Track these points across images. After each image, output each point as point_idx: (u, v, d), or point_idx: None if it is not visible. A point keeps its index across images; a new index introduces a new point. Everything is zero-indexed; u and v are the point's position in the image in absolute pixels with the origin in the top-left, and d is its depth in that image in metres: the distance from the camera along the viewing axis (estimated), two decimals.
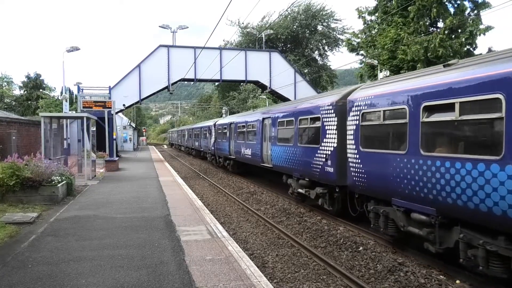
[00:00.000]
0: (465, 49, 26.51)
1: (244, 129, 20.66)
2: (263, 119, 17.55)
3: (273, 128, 15.86)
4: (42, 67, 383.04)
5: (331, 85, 49.47)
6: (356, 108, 9.60)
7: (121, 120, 53.55)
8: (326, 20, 49.21)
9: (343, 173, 10.21)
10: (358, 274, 7.60)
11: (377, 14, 30.63)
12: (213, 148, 29.72)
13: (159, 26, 32.93)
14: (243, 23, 49.24)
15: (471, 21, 26.25)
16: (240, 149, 21.38)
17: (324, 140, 11.21)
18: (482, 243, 6.22)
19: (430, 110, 7.23)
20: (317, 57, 51.29)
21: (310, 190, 12.56)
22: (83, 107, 25.20)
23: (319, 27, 49.70)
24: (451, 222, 6.96)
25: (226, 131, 25.07)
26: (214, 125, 29.28)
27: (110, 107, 25.27)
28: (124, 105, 30.86)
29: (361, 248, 8.96)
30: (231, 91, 57.89)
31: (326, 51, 51.27)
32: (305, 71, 48.14)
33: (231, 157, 23.78)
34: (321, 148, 11.37)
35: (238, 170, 24.35)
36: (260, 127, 17.87)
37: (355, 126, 9.63)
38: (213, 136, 29.35)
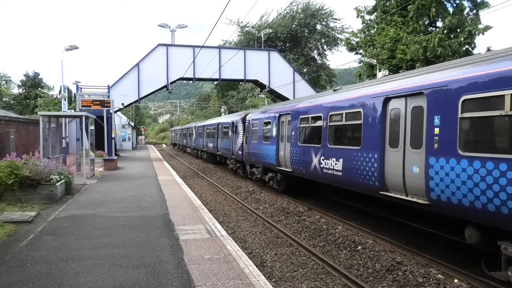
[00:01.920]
0: (464, 48, 26.58)
1: (322, 123, 11.77)
2: (387, 99, 8.91)
3: (444, 112, 7.19)
4: (41, 66, 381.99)
5: (330, 85, 49.53)
6: None
7: (119, 119, 53.53)
8: (325, 19, 49.26)
9: None
10: (356, 273, 7.62)
11: (376, 14, 30.68)
12: (240, 152, 21.04)
13: (158, 25, 32.91)
14: (241, 22, 49.26)
15: (470, 21, 26.31)
16: (306, 157, 12.78)
17: None
18: None
19: None
20: (316, 56, 51.34)
21: None
22: (82, 106, 25.17)
23: (318, 26, 49.75)
24: None
25: (269, 127, 16.69)
26: (244, 120, 20.81)
27: (109, 106, 25.27)
28: (122, 104, 30.81)
29: (359, 247, 8.97)
30: (230, 90, 57.91)
31: (325, 50, 51.37)
32: (304, 70, 48.18)
33: (283, 169, 15.10)
34: None
35: (290, 188, 15.90)
36: (377, 118, 9.15)
37: None
38: (241, 136, 21.02)
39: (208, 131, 32.28)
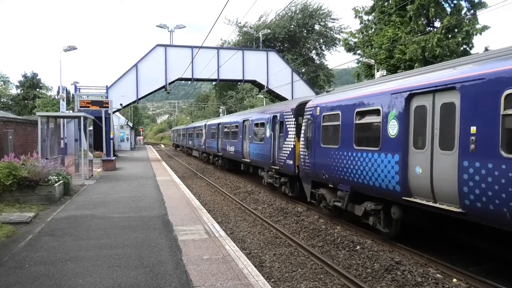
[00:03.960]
0: (462, 48, 26.63)
1: None
2: None
3: None
4: (39, 66, 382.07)
5: (328, 85, 49.55)
6: None
7: (118, 120, 53.43)
8: (323, 20, 49.30)
9: None
10: (355, 273, 7.62)
11: (374, 14, 30.75)
12: (291, 162, 14.25)
13: (157, 26, 32.84)
14: (240, 23, 49.26)
15: (467, 21, 26.37)
16: None
17: None
18: None
19: None
20: (314, 57, 51.40)
21: None
22: (80, 107, 25.09)
23: (316, 27, 49.78)
24: None
25: (377, 121, 9.12)
26: (298, 111, 14.12)
27: (107, 107, 25.20)
28: (121, 104, 30.76)
29: (358, 247, 8.98)
30: (228, 90, 57.93)
31: (323, 51, 51.40)
32: (302, 70, 48.19)
33: (424, 203, 7.66)
34: None
35: (405, 232, 9.53)
36: None
37: None
38: (292, 137, 14.28)
39: (226, 130, 24.80)
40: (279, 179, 15.78)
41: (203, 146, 33.70)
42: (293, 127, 14.27)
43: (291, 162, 14.23)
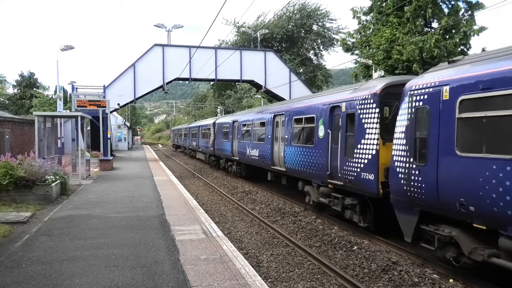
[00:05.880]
0: (459, 49, 26.73)
1: None
2: None
3: None
4: (36, 66, 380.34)
5: (326, 85, 49.63)
6: None
7: (115, 119, 53.32)
8: (321, 20, 49.42)
9: None
10: (352, 273, 7.64)
11: (372, 14, 30.83)
12: (420, 187, 7.22)
13: (154, 25, 32.80)
14: (238, 22, 49.27)
15: (465, 22, 26.48)
16: None
17: None
18: None
19: None
20: (312, 57, 51.51)
21: None
22: (77, 106, 25.11)
23: (314, 27, 49.90)
24: None
25: None
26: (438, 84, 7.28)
27: (105, 106, 25.17)
28: (118, 104, 30.72)
29: (355, 247, 9.00)
30: (227, 90, 57.96)
31: (321, 51, 51.51)
32: (300, 70, 48.25)
33: None
34: None
35: None
36: None
37: None
38: (426, 135, 7.23)
39: (246, 129, 20.21)
40: (342, 200, 10.63)
41: (211, 148, 28.40)
42: (376, 122, 9.34)
43: (371, 176, 9.35)
